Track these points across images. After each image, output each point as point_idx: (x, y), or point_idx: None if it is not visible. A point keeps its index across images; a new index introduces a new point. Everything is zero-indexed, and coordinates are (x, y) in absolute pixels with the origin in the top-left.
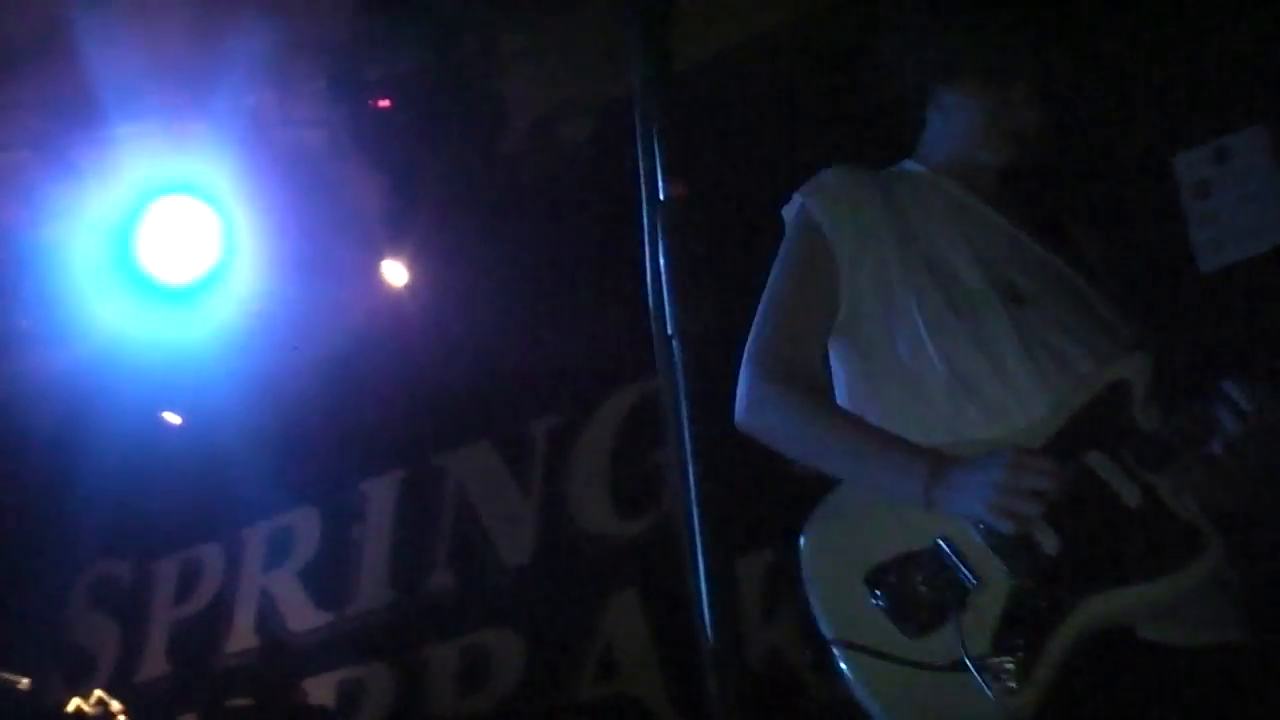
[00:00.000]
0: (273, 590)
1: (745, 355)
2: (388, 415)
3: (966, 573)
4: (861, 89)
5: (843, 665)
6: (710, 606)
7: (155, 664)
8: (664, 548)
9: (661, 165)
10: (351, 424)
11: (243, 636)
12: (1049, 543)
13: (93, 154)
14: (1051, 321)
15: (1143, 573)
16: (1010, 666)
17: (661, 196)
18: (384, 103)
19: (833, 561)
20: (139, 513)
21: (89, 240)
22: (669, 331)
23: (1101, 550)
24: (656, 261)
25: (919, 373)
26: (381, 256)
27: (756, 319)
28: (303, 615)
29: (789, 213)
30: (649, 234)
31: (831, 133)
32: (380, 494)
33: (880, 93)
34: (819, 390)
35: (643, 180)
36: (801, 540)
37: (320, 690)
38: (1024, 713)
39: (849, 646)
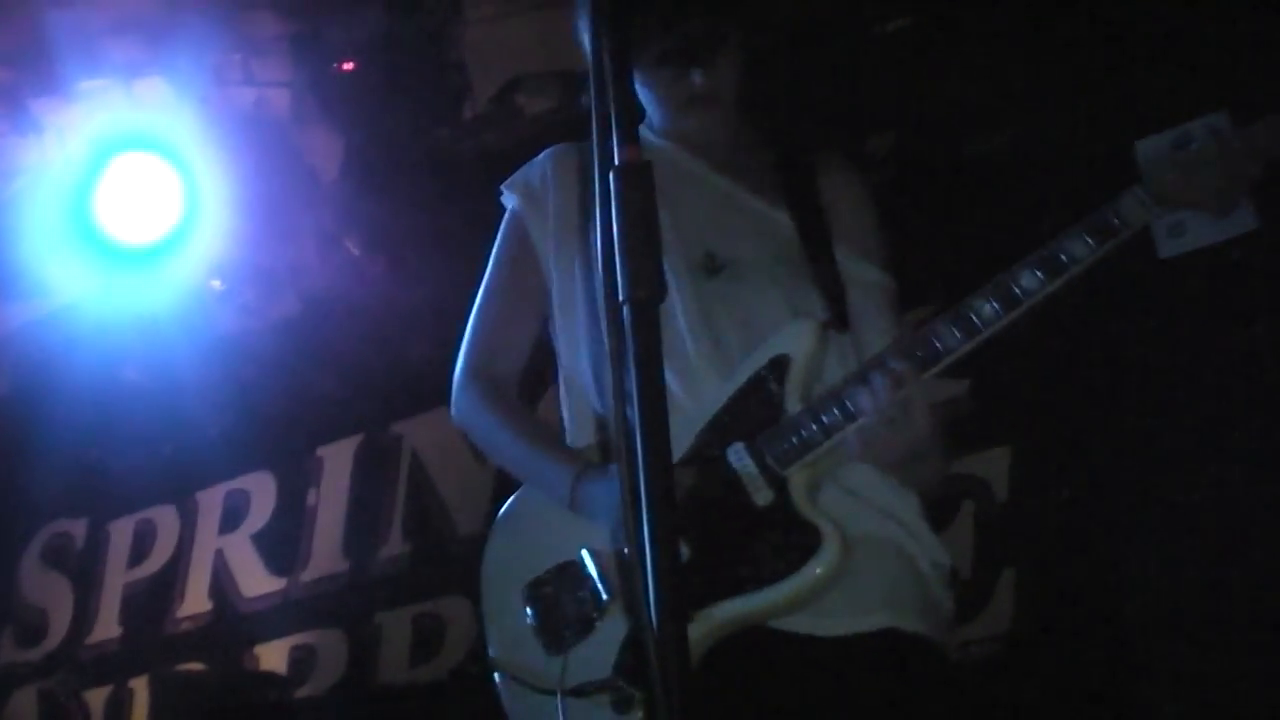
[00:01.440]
0: (227, 554)
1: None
2: (346, 381)
3: (601, 586)
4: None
5: (497, 683)
6: (654, 581)
7: (108, 626)
8: None
9: (617, 131)
10: (310, 389)
11: (196, 600)
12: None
13: (52, 108)
14: (747, 291)
15: (759, 580)
16: (625, 692)
17: (615, 161)
18: (347, 65)
19: (501, 573)
20: (95, 473)
21: (47, 197)
22: (619, 298)
23: (726, 557)
24: (609, 227)
25: (580, 353)
26: (342, 222)
27: (473, 316)
28: (256, 580)
29: (505, 201)
30: (600, 199)
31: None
32: (336, 460)
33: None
34: (515, 397)
35: (595, 145)
36: (484, 548)
37: (272, 656)
38: None
39: (495, 665)
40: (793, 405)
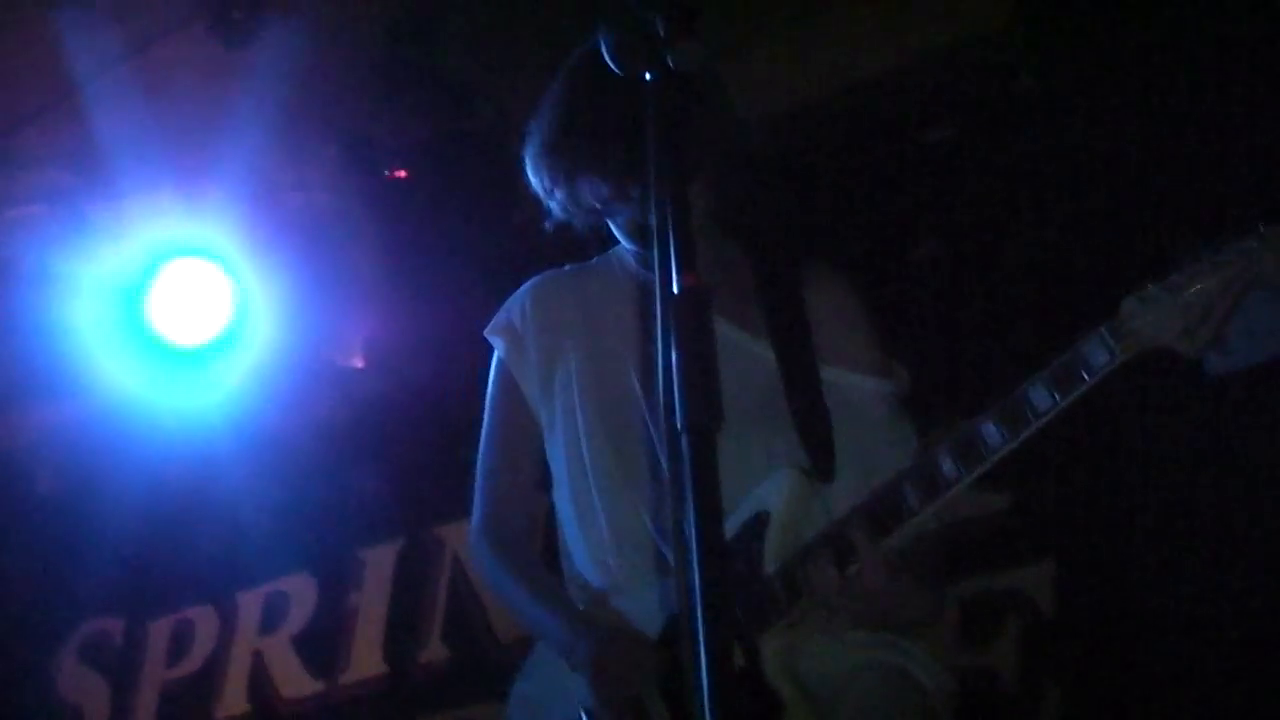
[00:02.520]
0: (266, 655)
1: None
2: (389, 484)
3: None
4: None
5: None
6: (710, 696)
7: None
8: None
9: (674, 257)
10: (353, 492)
11: (234, 701)
12: (658, 711)
13: (105, 213)
14: (726, 441)
15: None
16: None
17: (674, 289)
18: (400, 173)
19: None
20: (135, 572)
21: (99, 298)
22: (679, 425)
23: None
24: (669, 354)
25: (577, 511)
26: (390, 324)
27: (477, 470)
28: (295, 682)
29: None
30: (661, 327)
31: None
32: (378, 563)
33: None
34: (528, 548)
35: (657, 272)
36: (509, 696)
37: None
38: None
39: None
40: (770, 565)
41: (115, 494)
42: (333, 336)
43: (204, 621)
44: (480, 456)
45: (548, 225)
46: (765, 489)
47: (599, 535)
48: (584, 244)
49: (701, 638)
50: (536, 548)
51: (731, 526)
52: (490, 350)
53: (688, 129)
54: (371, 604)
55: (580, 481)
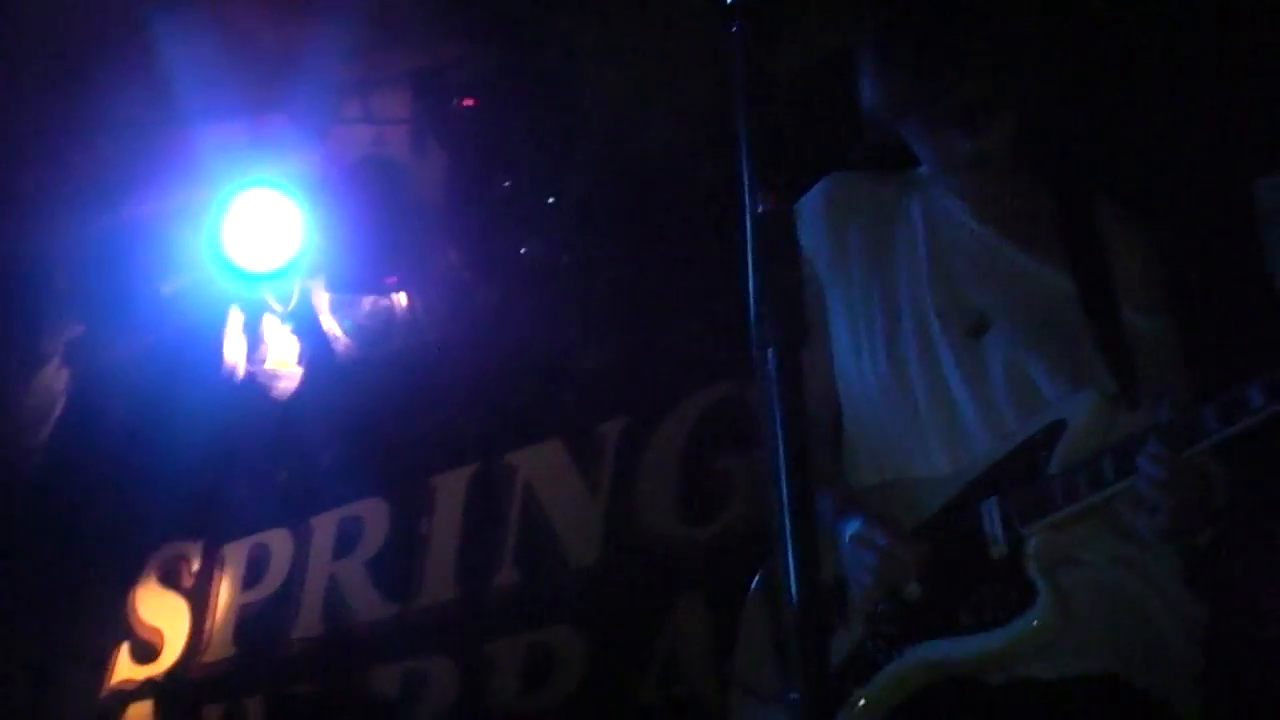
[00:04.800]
0: (340, 579)
1: None
2: (459, 412)
3: (838, 604)
4: None
5: (732, 706)
6: (798, 592)
7: (223, 647)
8: (731, 552)
9: (754, 177)
10: (424, 419)
11: (309, 624)
12: (911, 590)
13: (178, 144)
14: (1012, 350)
15: (969, 627)
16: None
17: (755, 208)
18: (468, 102)
19: (761, 598)
20: (210, 497)
21: (172, 226)
22: (762, 342)
23: (949, 600)
24: (752, 272)
25: (863, 406)
26: (459, 254)
27: None
28: (369, 605)
29: None
30: (746, 245)
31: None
32: (450, 489)
33: None
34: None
35: (744, 190)
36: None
37: (384, 680)
38: None
39: (736, 686)
40: (1054, 469)
41: (189, 421)
42: (403, 265)
43: (279, 546)
44: None
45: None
46: (1069, 402)
47: (883, 422)
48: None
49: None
50: (830, 437)
51: (1024, 431)
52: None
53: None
54: (443, 529)
55: (864, 366)
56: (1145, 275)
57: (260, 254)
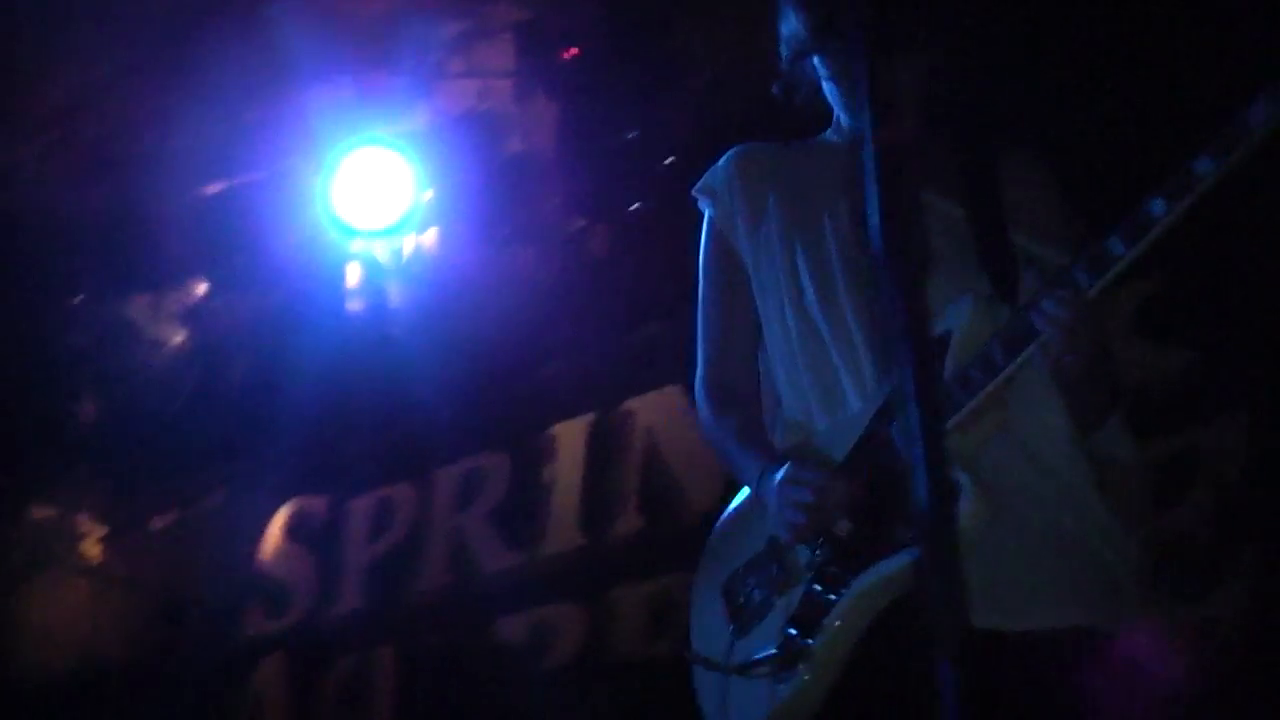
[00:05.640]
0: (465, 530)
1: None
2: (577, 360)
3: (778, 568)
4: None
5: (694, 677)
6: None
7: (350, 598)
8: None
9: (873, 110)
10: (542, 369)
11: (435, 574)
12: (842, 526)
13: (288, 107)
14: (941, 289)
15: (900, 543)
16: (787, 659)
17: (872, 142)
18: (571, 52)
19: (706, 576)
20: (335, 452)
21: (287, 189)
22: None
23: (882, 526)
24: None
25: (782, 358)
26: (568, 205)
27: (697, 328)
28: (494, 556)
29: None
30: (867, 178)
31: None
32: (570, 438)
33: None
34: (746, 398)
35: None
36: (701, 553)
37: (511, 629)
38: (801, 705)
39: (692, 659)
40: (949, 375)
41: (311, 378)
42: (514, 218)
43: (403, 498)
44: (700, 321)
45: (775, 89)
46: (950, 313)
47: (802, 377)
48: (752, 124)
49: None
50: (755, 397)
51: None
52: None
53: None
54: (565, 478)
55: (782, 326)
56: (1042, 205)
57: (372, 211)
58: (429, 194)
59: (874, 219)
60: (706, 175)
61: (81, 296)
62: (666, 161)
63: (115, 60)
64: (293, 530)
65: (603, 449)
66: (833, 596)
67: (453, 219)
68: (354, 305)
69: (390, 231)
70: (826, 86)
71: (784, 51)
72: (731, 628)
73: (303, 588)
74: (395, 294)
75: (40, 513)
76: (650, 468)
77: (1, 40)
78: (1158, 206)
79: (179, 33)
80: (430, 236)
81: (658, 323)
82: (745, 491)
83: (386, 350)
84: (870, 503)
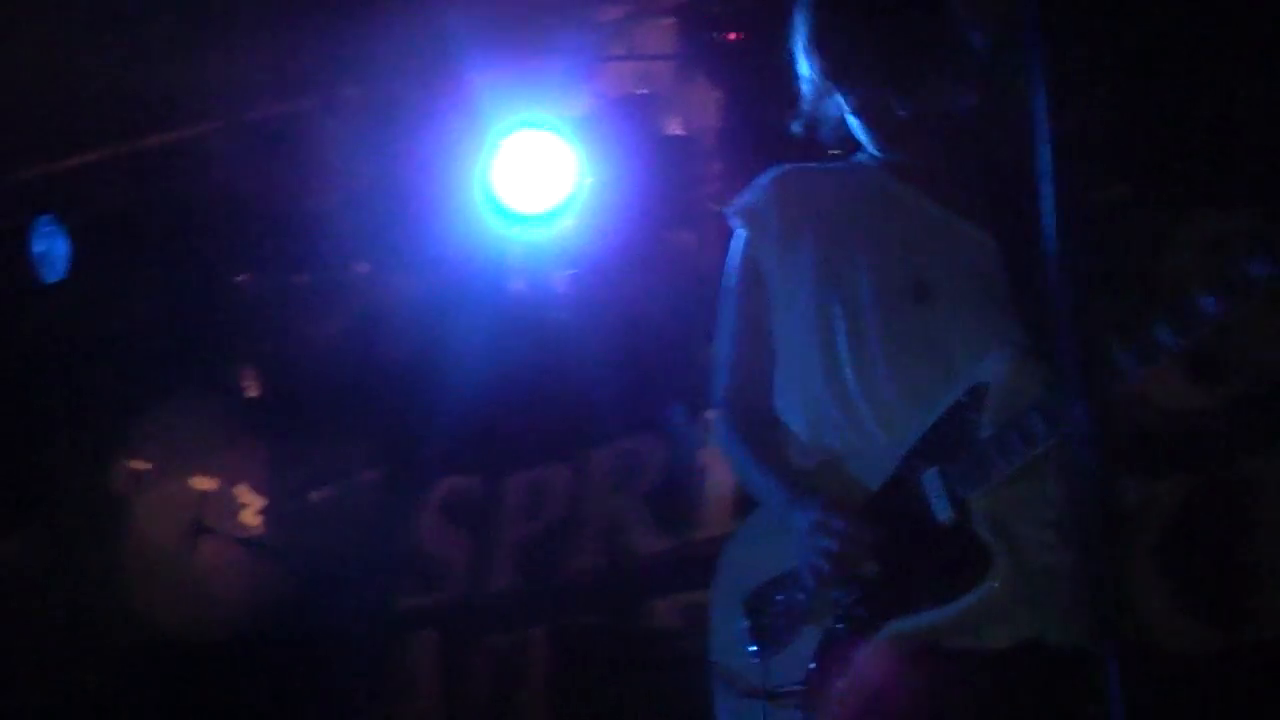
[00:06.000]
0: (619, 512)
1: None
2: None
3: (804, 596)
4: None
5: (712, 686)
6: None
7: (504, 577)
8: None
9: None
10: (699, 352)
11: (589, 556)
12: (870, 567)
13: (451, 89)
14: (947, 319)
15: (934, 599)
16: (812, 696)
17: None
18: (733, 34)
19: (728, 582)
20: (489, 432)
21: (448, 173)
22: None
23: (907, 577)
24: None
25: (802, 379)
26: (728, 188)
27: (716, 351)
28: (648, 538)
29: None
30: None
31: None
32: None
33: None
34: (767, 420)
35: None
36: (719, 562)
37: (665, 613)
38: None
39: (713, 667)
40: (985, 432)
41: (467, 359)
42: (674, 201)
43: (558, 478)
44: (720, 340)
45: (795, 127)
46: (983, 365)
47: (821, 398)
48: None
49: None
50: (775, 418)
51: (949, 399)
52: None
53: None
54: (720, 462)
55: (804, 349)
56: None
57: (532, 194)
58: (589, 177)
59: (1047, 219)
60: (745, 194)
61: (248, 274)
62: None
63: (282, 44)
64: (448, 508)
65: None
66: (859, 639)
67: (612, 202)
68: (513, 287)
69: (550, 215)
70: (851, 120)
71: (805, 91)
72: (755, 647)
73: (456, 566)
74: (554, 276)
75: (202, 483)
76: None
77: (174, 25)
78: (1209, 304)
79: (344, 15)
80: (590, 219)
81: None
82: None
83: (544, 332)
84: (897, 550)
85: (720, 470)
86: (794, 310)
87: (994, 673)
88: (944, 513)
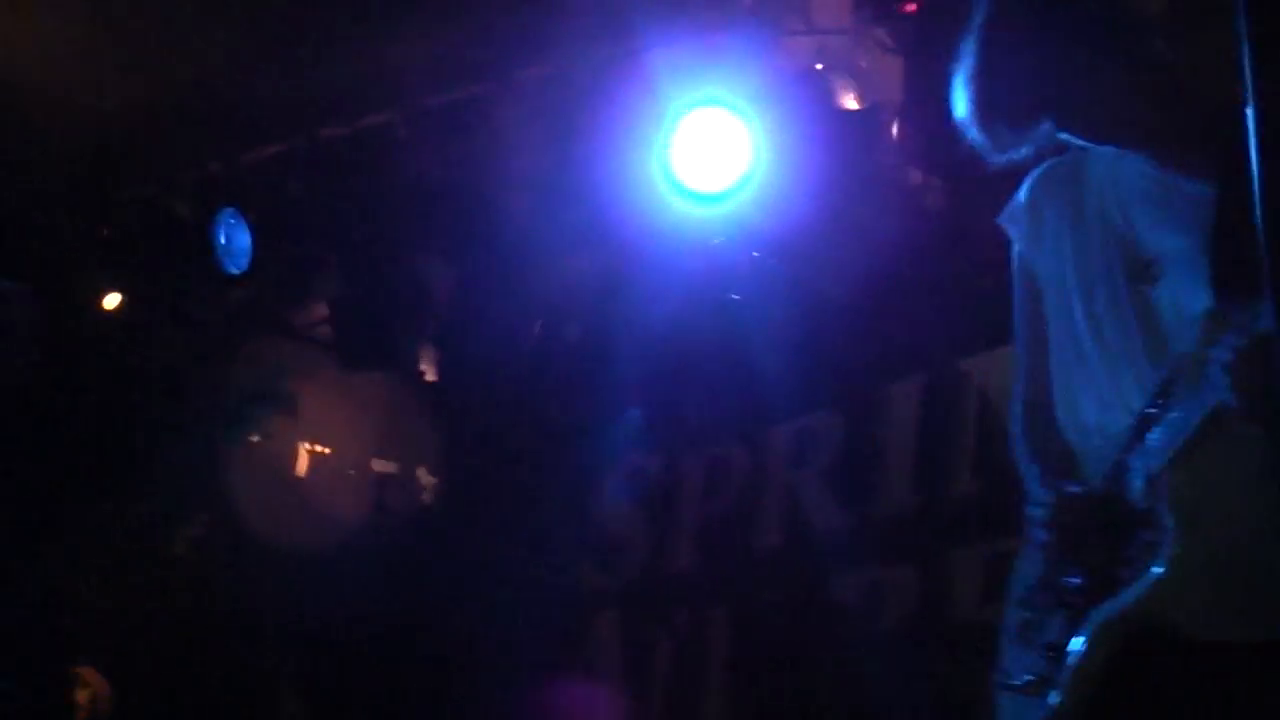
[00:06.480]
0: (798, 489)
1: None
2: (910, 319)
3: (1049, 589)
4: None
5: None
6: None
7: (684, 556)
8: None
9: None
10: (874, 328)
11: (769, 533)
12: (1095, 553)
13: (629, 69)
14: (1169, 293)
15: (1127, 580)
16: (1041, 684)
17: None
18: (910, 6)
19: (1014, 583)
20: (667, 412)
21: (626, 153)
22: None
23: (1113, 564)
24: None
25: (1055, 372)
26: (905, 160)
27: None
28: (828, 515)
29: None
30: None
31: None
32: (903, 398)
33: None
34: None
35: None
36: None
37: (846, 589)
38: None
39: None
40: (1188, 404)
41: (646, 338)
42: (849, 175)
43: (736, 457)
44: (1016, 338)
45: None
46: (1191, 334)
47: (1072, 382)
48: None
49: None
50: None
51: (1162, 372)
52: None
53: None
54: (898, 438)
55: (1066, 345)
56: None
57: (711, 173)
58: (767, 154)
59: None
60: (1010, 203)
61: (429, 258)
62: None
63: (460, 29)
64: (628, 488)
65: (937, 409)
66: (1078, 625)
67: (789, 176)
68: (692, 265)
69: (729, 193)
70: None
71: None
72: (1016, 641)
73: (637, 545)
74: (732, 254)
75: (381, 466)
76: (985, 430)
77: (353, 15)
78: None
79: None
80: (768, 196)
81: (993, 280)
82: None
83: (723, 310)
84: (1113, 535)
85: (900, 446)
86: (1060, 307)
87: (1207, 666)
88: (1141, 492)
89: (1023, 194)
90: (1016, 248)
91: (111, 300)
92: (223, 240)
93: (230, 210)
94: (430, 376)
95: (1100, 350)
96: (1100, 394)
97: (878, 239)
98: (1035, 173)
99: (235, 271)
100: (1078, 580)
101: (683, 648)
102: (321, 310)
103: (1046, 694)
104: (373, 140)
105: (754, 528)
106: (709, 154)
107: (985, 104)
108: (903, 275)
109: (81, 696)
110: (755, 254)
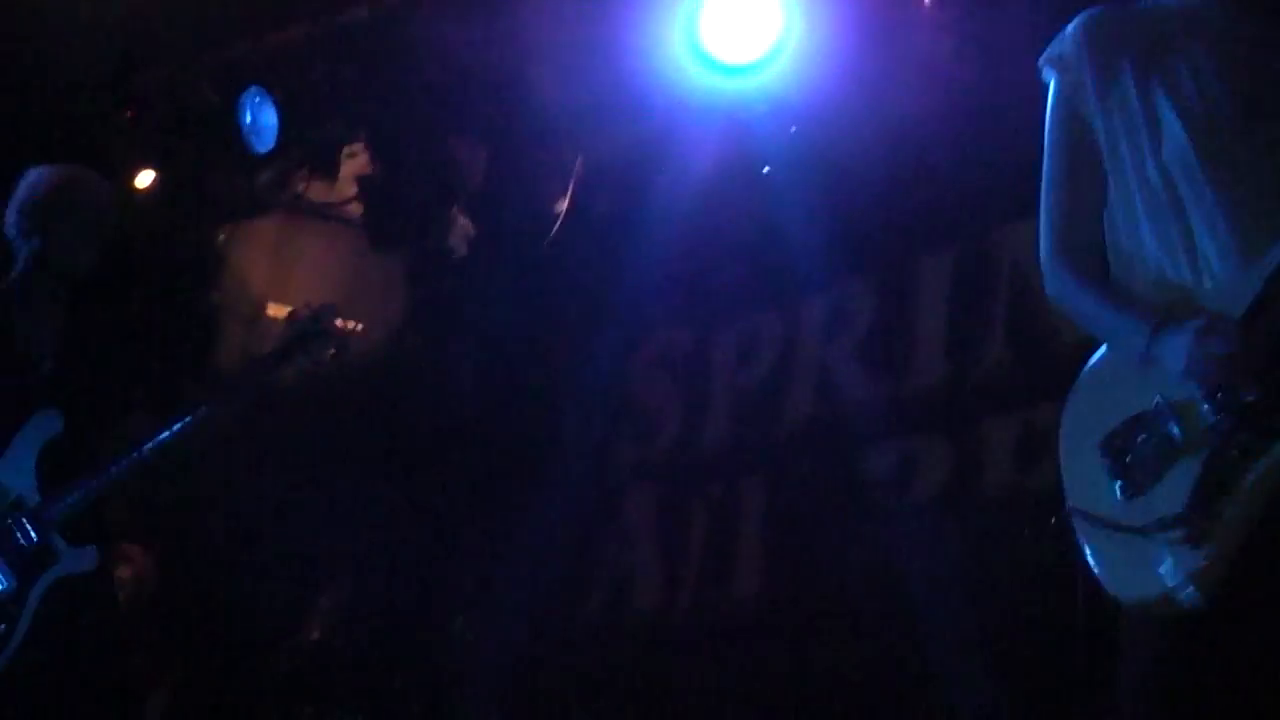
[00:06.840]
0: (829, 360)
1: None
2: (943, 190)
3: (1177, 430)
4: None
5: (1075, 530)
6: None
7: (718, 427)
8: None
9: None
10: (906, 199)
11: (802, 404)
12: (1248, 391)
13: None
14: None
15: None
16: (1198, 526)
17: None
18: None
19: (1077, 428)
20: (699, 282)
21: (654, 25)
22: None
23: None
24: None
25: (1147, 214)
26: (938, 34)
27: (1043, 197)
28: (860, 386)
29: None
30: None
31: None
32: (935, 268)
33: None
34: (1100, 263)
35: None
36: (1063, 409)
37: (878, 460)
38: (1209, 575)
39: (1073, 513)
40: None
41: (677, 210)
42: (880, 50)
43: (768, 328)
44: (1046, 197)
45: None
46: None
47: (1169, 230)
48: None
49: None
50: (1106, 263)
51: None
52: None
53: None
54: (931, 308)
55: (1142, 185)
56: None
57: (740, 45)
58: (797, 25)
59: None
60: (1054, 44)
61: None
62: None
63: None
64: (659, 360)
65: (969, 279)
66: (1247, 462)
67: (820, 50)
68: (722, 137)
69: (758, 65)
70: None
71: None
72: (1120, 483)
73: (670, 417)
74: (762, 126)
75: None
76: (1017, 298)
77: None
78: None
79: None
80: (798, 68)
81: (1027, 151)
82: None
83: (753, 182)
84: (1273, 369)
85: (933, 315)
86: (1120, 149)
87: None
88: None
89: (1069, 41)
90: (1060, 92)
91: (144, 179)
92: (248, 119)
93: (255, 89)
94: (461, 252)
95: (1198, 189)
96: (1203, 234)
97: (910, 109)
98: (1082, 19)
99: (261, 151)
100: (1234, 421)
101: (716, 519)
102: (350, 189)
103: (1198, 535)
104: (397, 18)
105: (786, 399)
106: (738, 25)
107: None
108: (935, 146)
109: (125, 572)
110: (781, 122)
